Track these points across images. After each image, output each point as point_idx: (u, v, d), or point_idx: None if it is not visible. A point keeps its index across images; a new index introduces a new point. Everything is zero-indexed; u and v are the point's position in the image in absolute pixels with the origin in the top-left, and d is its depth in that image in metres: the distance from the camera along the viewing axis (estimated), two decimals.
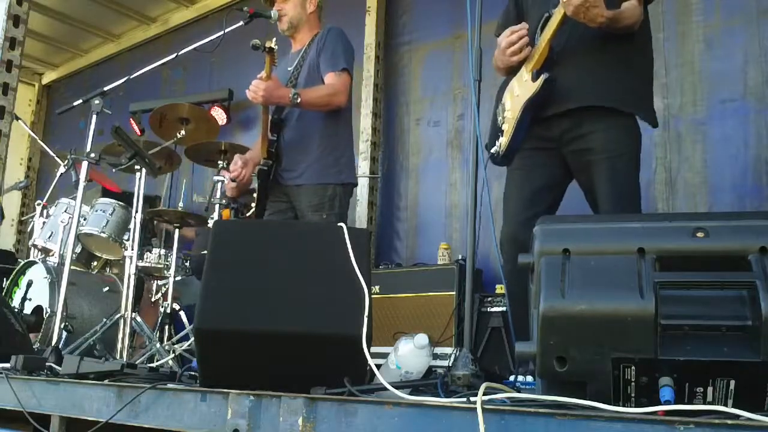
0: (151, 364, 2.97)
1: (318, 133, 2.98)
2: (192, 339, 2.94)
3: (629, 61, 2.34)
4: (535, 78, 2.29)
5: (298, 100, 2.83)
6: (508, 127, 2.36)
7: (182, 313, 3.80)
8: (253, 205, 3.10)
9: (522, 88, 2.34)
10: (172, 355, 3.17)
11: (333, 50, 2.99)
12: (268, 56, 2.81)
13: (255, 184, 3.09)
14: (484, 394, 1.24)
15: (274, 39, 2.86)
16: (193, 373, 2.04)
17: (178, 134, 3.98)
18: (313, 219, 2.89)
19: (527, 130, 2.35)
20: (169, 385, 1.76)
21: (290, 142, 3.01)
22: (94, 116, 2.92)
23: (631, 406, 1.23)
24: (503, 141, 2.37)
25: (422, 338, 2.01)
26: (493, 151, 2.41)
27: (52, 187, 4.56)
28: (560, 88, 2.28)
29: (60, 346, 2.63)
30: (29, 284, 3.75)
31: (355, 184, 3.14)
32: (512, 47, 2.34)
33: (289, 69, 3.08)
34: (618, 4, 2.22)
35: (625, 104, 2.30)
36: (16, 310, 3.46)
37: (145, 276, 4.27)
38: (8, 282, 3.99)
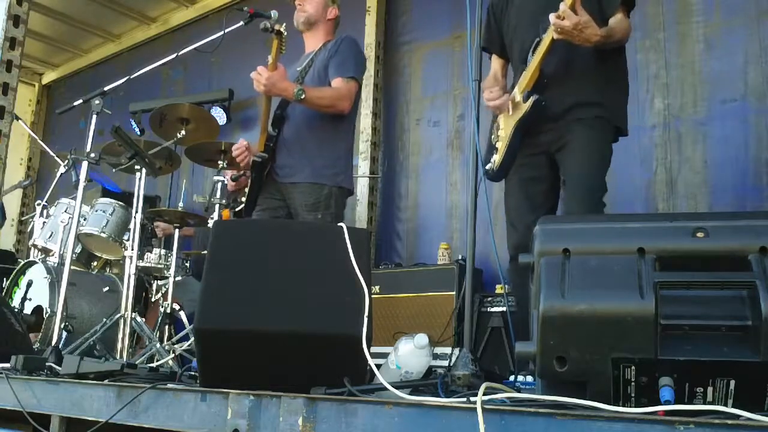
0: (151, 364, 2.97)
1: (318, 134, 2.95)
2: (192, 339, 2.94)
3: (614, 77, 2.45)
4: (525, 99, 2.35)
5: (302, 96, 2.76)
6: (501, 146, 2.46)
7: (182, 313, 3.79)
8: (243, 199, 3.06)
9: (514, 108, 2.43)
10: (172, 355, 3.16)
11: (345, 57, 2.96)
12: (275, 39, 2.77)
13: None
14: (484, 394, 1.24)
15: (284, 24, 2.83)
16: (193, 373, 2.04)
17: (178, 134, 3.97)
18: (308, 219, 2.85)
19: (518, 148, 2.45)
20: (169, 385, 1.76)
21: (289, 139, 2.97)
22: (94, 116, 2.91)
23: (631, 406, 1.23)
24: (497, 158, 2.47)
25: (422, 338, 2.01)
26: (487, 167, 2.50)
27: (52, 187, 4.56)
28: (550, 112, 2.37)
29: (60, 346, 2.63)
30: (29, 284, 3.75)
31: (351, 191, 3.08)
32: (490, 104, 2.48)
33: (297, 69, 3.07)
34: (605, 19, 2.31)
35: (612, 117, 2.41)
36: (16, 310, 3.46)
37: (145, 276, 4.27)
38: (8, 282, 3.99)
